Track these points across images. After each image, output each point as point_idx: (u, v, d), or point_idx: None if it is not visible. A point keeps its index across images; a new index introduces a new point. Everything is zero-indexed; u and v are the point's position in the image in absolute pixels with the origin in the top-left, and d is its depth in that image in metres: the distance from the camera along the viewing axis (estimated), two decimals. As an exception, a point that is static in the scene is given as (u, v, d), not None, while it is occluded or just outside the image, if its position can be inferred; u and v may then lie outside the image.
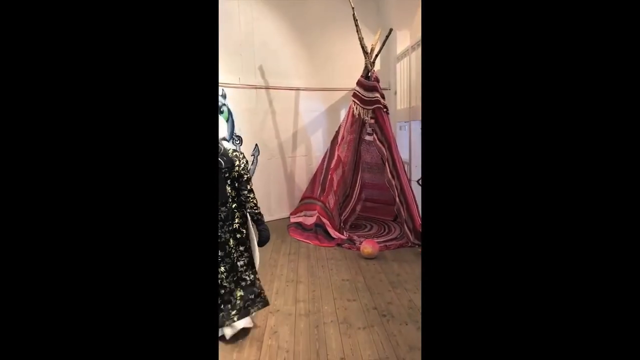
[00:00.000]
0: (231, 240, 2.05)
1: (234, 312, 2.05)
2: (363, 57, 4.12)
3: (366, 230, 4.34)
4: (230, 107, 4.35)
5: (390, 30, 4.33)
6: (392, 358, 1.95)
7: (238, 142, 4.44)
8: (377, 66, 4.61)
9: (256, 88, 4.59)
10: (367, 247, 3.42)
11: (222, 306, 2.02)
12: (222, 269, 2.01)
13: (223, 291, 2.02)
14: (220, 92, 4.24)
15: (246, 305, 2.10)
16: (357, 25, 4.01)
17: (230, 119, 4.36)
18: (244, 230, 2.11)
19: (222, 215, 2.01)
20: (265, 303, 2.22)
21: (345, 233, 4.01)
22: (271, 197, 4.80)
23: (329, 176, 4.28)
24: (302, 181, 5.05)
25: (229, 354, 2.01)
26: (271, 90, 4.73)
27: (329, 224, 4.03)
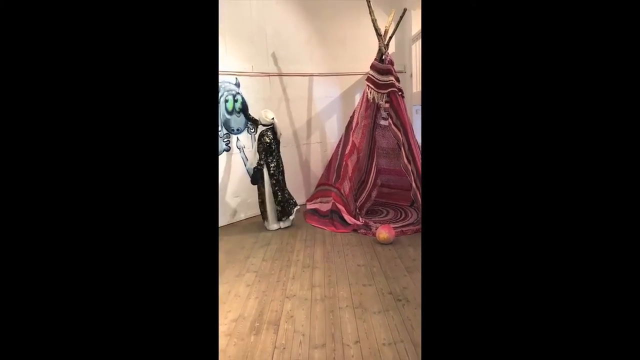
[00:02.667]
0: (281, 178, 4.00)
1: (285, 216, 4.02)
2: (377, 40, 4.02)
3: (382, 216, 4.32)
4: (244, 95, 4.36)
5: (405, 10, 4.20)
6: (406, 342, 1.96)
7: (253, 130, 4.46)
8: (392, 48, 4.50)
9: (269, 75, 4.58)
10: (383, 232, 3.42)
11: (281, 214, 4.00)
12: (280, 194, 3.96)
13: (279, 205, 3.99)
14: (234, 81, 4.26)
15: (290, 209, 4.07)
16: (369, 7, 3.91)
17: (244, 107, 4.38)
18: (284, 172, 4.06)
19: (278, 163, 3.98)
20: (295, 204, 4.17)
21: (361, 219, 4.01)
22: (289, 184, 4.83)
23: (344, 162, 4.26)
24: (317, 168, 5.05)
25: (247, 337, 2.08)
26: (284, 77, 4.70)
27: (344, 210, 4.03)
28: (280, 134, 4.05)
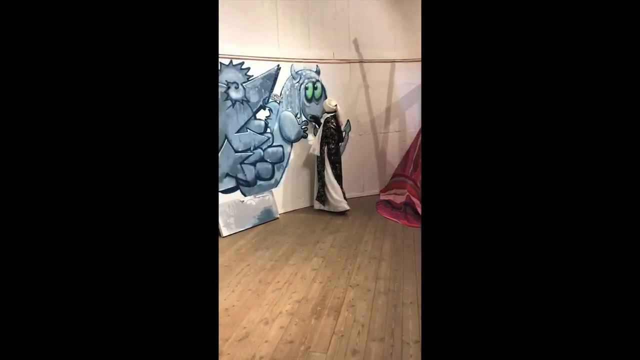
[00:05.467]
0: (338, 166, 4.11)
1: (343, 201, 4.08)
2: (468, 21, 3.67)
3: (461, 212, 4.02)
4: (324, 83, 4.41)
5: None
6: (473, 351, 1.81)
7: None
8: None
9: (350, 62, 4.53)
10: (460, 230, 3.18)
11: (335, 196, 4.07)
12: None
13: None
14: (314, 69, 4.32)
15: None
16: (462, -15, 3.57)
17: (323, 95, 4.43)
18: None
19: (337, 150, 4.09)
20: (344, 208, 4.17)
21: (436, 214, 3.79)
22: (362, 173, 4.79)
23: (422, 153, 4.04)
24: (393, 158, 4.89)
25: (308, 319, 2.14)
26: (365, 64, 4.61)
27: (419, 203, 3.85)
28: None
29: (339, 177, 4.13)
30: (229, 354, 1.87)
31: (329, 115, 4.00)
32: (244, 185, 3.93)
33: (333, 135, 4.00)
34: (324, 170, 4.08)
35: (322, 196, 4.12)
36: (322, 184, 4.10)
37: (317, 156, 4.09)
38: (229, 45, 3.60)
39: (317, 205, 4.21)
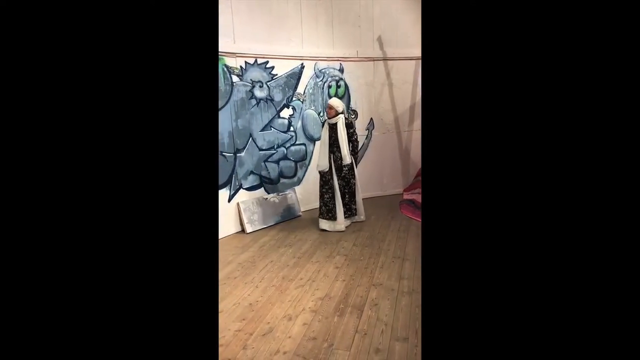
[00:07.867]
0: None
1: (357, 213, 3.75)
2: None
3: (488, 213, 3.92)
4: (347, 81, 4.39)
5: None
6: (501, 354, 1.77)
7: (353, 116, 4.48)
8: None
9: (374, 60, 4.50)
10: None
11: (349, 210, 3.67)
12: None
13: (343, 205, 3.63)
14: (338, 67, 4.32)
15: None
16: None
17: (346, 93, 4.41)
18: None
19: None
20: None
21: (462, 214, 3.71)
22: (385, 172, 4.75)
23: (448, 152, 3.97)
24: (417, 157, 4.82)
25: (331, 316, 2.15)
26: (389, 62, 4.56)
27: (443, 203, 3.78)
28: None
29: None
30: (253, 347, 1.91)
31: (343, 115, 3.52)
32: (267, 183, 3.98)
33: (357, 138, 3.62)
34: (353, 179, 3.60)
35: (350, 210, 3.66)
36: (352, 195, 3.63)
37: (345, 165, 3.52)
38: (253, 44, 3.65)
39: (346, 222, 3.63)
